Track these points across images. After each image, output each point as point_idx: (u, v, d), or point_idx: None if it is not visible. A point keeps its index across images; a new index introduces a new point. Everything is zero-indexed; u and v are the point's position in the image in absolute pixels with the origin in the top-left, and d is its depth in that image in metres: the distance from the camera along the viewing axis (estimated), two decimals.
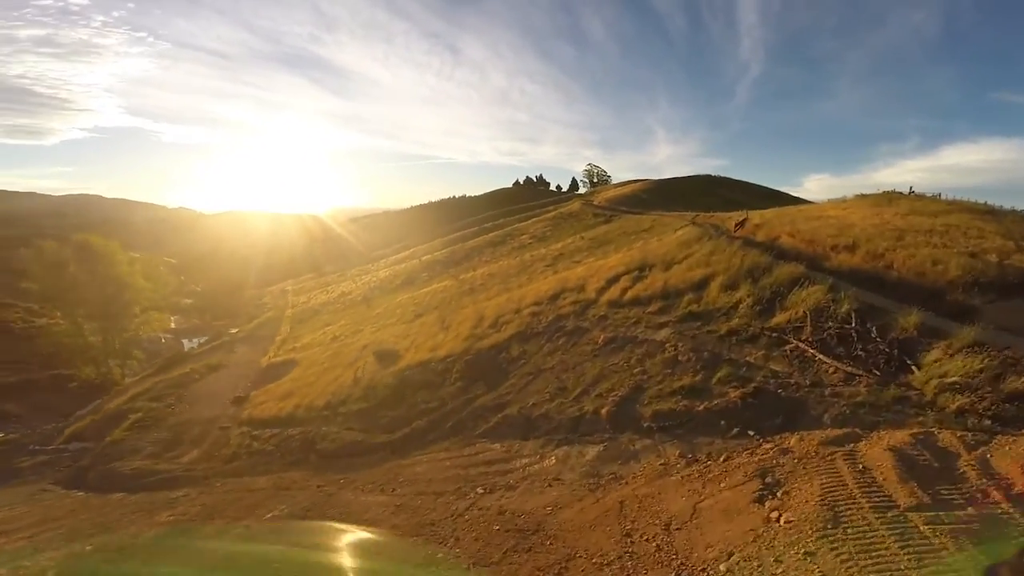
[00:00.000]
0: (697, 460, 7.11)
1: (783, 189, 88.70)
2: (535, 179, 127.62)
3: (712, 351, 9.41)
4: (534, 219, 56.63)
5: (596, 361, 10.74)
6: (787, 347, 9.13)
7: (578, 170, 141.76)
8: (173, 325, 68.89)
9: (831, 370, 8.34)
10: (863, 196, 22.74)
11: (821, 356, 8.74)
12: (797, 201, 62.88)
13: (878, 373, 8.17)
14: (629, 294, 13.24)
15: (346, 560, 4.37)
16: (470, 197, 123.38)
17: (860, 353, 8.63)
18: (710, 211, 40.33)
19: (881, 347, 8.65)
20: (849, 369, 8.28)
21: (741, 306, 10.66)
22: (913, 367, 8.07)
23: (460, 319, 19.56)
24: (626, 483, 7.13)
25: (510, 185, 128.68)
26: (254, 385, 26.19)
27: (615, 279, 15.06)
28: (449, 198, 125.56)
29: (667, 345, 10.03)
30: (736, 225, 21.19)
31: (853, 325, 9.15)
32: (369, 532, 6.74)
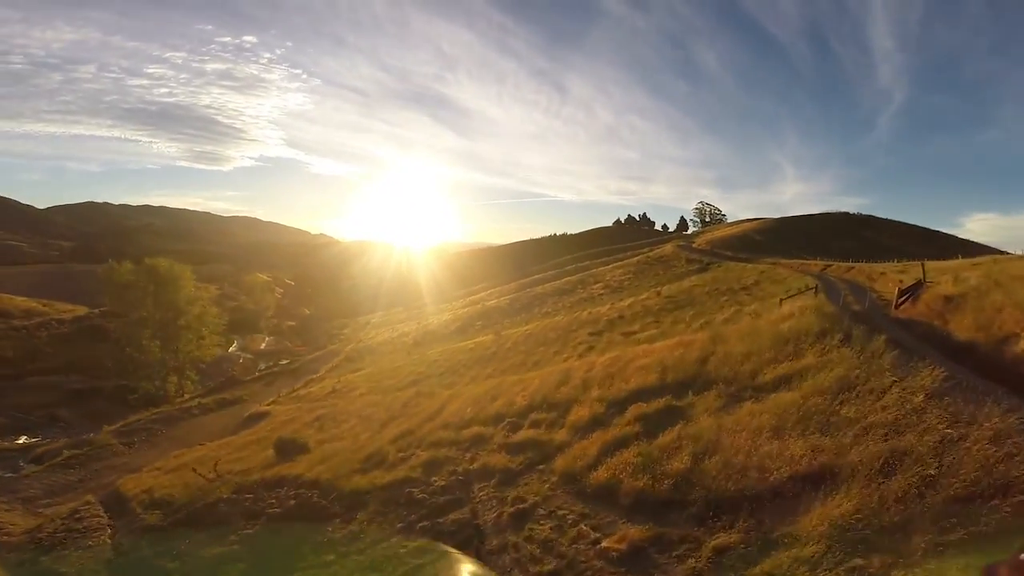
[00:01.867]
0: None
1: (942, 230, 68.60)
2: (638, 218, 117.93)
3: None
4: (618, 263, 48.42)
5: None
6: None
7: (690, 209, 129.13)
8: (263, 347, 71.12)
9: None
10: None
11: None
12: (965, 245, 46.48)
13: None
14: (611, 464, 5.48)
15: None
16: (567, 235, 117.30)
17: None
18: (848, 259, 29.30)
19: None
20: None
21: None
22: None
23: (419, 411, 13.08)
24: None
25: (611, 224, 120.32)
26: (222, 435, 22.13)
27: (624, 403, 7.39)
28: (546, 236, 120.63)
29: None
30: (901, 294, 11.79)
31: None
32: None
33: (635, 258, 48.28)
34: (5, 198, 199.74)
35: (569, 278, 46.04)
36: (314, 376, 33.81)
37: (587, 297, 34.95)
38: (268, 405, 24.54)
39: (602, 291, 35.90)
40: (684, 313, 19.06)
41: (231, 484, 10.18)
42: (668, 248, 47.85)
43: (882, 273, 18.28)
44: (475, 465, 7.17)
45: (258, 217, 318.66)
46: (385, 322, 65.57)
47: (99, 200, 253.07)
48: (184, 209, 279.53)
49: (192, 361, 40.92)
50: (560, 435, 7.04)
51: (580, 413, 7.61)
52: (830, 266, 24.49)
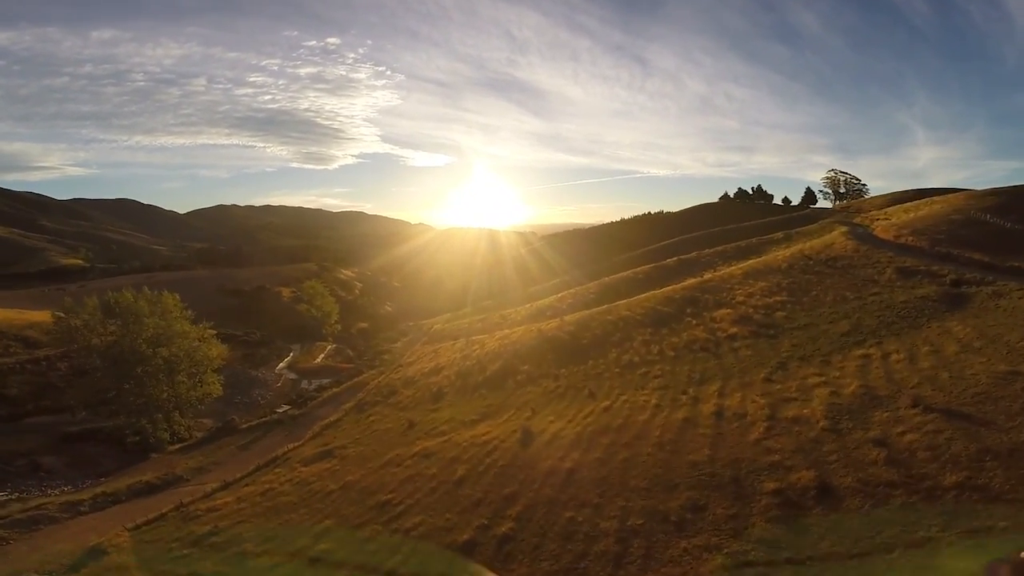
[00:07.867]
0: None
1: None
2: (751, 191, 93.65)
3: None
4: (752, 260, 30.75)
5: None
6: None
7: (810, 179, 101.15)
8: (318, 360, 62.93)
9: None
10: None
11: None
12: None
13: None
14: None
15: None
16: (663, 214, 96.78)
17: None
18: None
19: None
20: None
21: None
22: None
23: None
24: None
25: (716, 199, 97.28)
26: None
27: None
28: (639, 216, 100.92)
29: None
30: None
31: None
32: None
33: (781, 252, 30.18)
34: (153, 206, 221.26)
35: (673, 288, 29.56)
36: (289, 448, 21.99)
37: (705, 343, 18.83)
38: (115, 535, 12.66)
39: (733, 329, 19.44)
40: None
41: None
42: (837, 239, 29.00)
43: None
44: None
45: (364, 211, 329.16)
46: (440, 333, 53.07)
47: (227, 203, 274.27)
48: (299, 207, 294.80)
49: (178, 403, 31.90)
50: None
51: None
52: None
